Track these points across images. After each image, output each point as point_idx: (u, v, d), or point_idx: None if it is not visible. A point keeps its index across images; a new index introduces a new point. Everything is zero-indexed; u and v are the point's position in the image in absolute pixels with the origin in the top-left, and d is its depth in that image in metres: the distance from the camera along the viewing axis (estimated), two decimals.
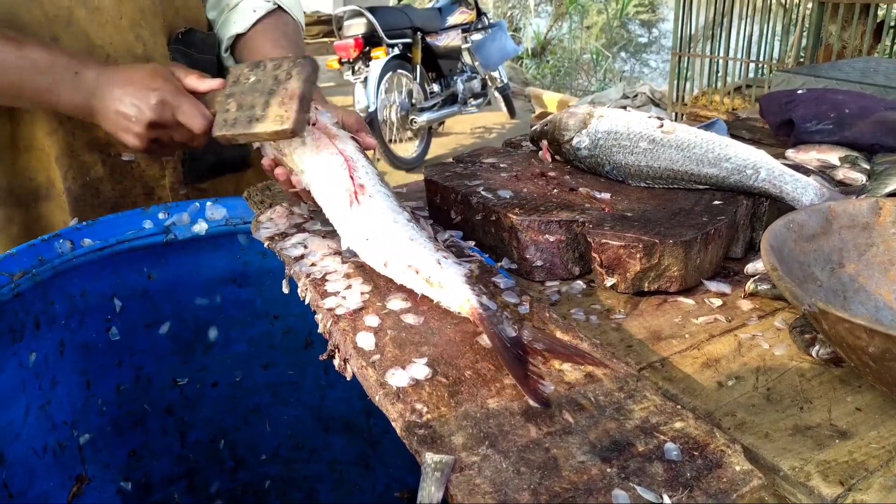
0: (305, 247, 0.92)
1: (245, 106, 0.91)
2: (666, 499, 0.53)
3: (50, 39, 1.09)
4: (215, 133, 0.93)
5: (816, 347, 0.74)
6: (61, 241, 1.03)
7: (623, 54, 9.55)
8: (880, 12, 3.90)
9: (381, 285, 0.83)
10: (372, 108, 4.84)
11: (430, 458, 0.57)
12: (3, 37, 0.99)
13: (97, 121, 1.00)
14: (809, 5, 3.98)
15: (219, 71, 1.33)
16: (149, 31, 1.18)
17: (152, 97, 0.95)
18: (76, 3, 1.11)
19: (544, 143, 1.19)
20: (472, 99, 5.76)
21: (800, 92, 1.36)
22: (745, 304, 0.87)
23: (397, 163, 5.19)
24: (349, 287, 0.82)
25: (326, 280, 0.84)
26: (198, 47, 1.26)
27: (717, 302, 0.88)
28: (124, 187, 1.23)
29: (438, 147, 5.71)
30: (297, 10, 1.35)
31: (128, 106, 0.95)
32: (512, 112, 6.36)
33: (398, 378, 0.66)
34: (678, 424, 0.61)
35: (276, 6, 1.29)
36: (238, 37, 1.28)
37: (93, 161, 1.19)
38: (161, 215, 1.12)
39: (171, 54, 1.22)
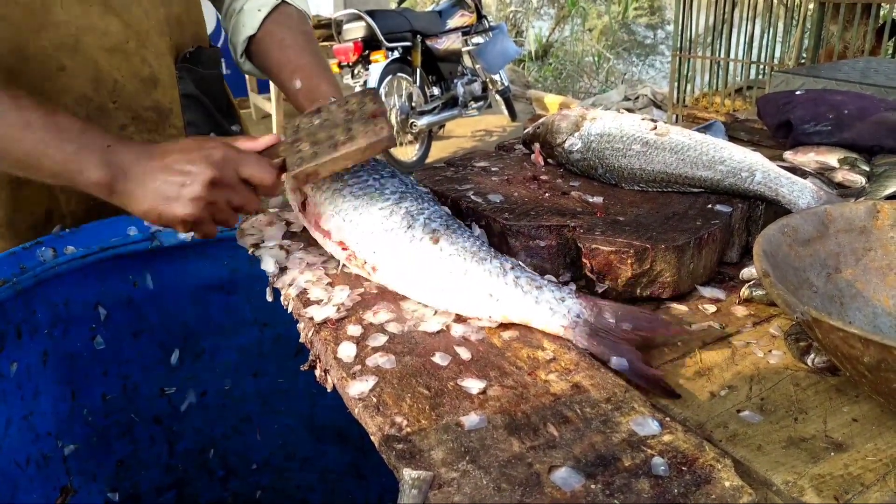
0: (289, 254, 0.90)
1: (321, 141, 0.84)
2: None
3: (56, 70, 1.06)
4: (293, 172, 0.82)
5: (812, 355, 0.72)
6: (43, 248, 1.01)
7: (626, 56, 9.51)
8: (882, 12, 3.86)
9: (365, 294, 0.81)
10: None
11: (407, 474, 0.55)
12: (33, 102, 0.90)
13: (119, 201, 0.88)
14: (811, 6, 3.95)
15: (222, 84, 1.32)
16: (154, 53, 1.17)
17: (214, 153, 0.83)
18: (83, 30, 1.08)
19: (536, 145, 1.17)
20: (472, 102, 5.73)
21: (798, 93, 1.34)
22: (740, 311, 0.85)
23: (397, 167, 5.18)
24: (332, 296, 0.80)
25: (309, 289, 0.82)
26: (204, 64, 1.25)
27: (711, 308, 0.85)
28: None
29: (439, 150, 5.69)
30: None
31: (178, 172, 0.83)
32: (513, 115, 6.33)
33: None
34: (666, 438, 0.59)
35: (280, 0, 1.24)
36: (251, 39, 1.27)
37: None
38: (146, 222, 1.11)
39: (178, 73, 1.21)
